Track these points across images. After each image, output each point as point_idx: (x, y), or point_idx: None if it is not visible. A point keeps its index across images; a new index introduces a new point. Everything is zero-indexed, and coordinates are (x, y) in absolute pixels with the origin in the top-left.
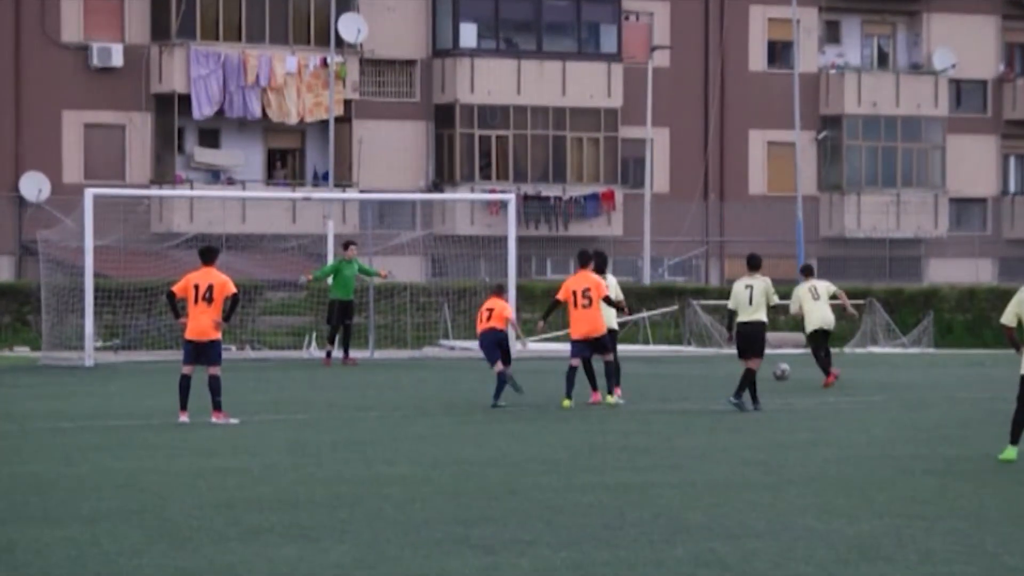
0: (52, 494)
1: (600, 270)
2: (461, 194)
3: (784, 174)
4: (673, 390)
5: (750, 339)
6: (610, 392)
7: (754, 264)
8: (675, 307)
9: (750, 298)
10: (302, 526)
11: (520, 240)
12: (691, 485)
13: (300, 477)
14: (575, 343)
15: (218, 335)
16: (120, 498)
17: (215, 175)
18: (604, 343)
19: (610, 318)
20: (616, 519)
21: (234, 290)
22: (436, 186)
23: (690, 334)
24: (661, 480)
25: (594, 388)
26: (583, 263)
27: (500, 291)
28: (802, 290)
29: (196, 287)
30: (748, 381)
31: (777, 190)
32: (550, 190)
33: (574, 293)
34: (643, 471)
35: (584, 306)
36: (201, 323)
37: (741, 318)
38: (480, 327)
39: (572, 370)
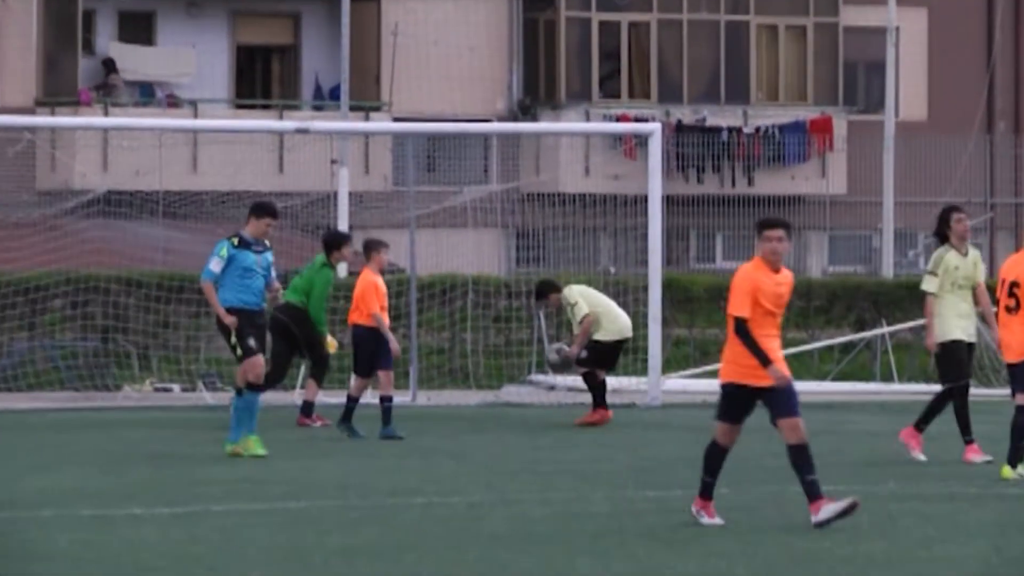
0: None
1: None
2: (568, 124)
3: None
4: (933, 462)
5: None
6: (1012, 463)
7: None
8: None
9: None
10: None
11: (671, 202)
12: None
13: None
14: (1010, 368)
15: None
16: None
17: (146, 91)
18: None
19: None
20: None
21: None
22: (525, 111)
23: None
24: None
25: (966, 440)
26: None
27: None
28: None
29: None
30: None
31: None
32: (721, 116)
33: (1003, 285)
34: None
35: (1009, 309)
36: None
37: None
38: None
39: (1019, 414)
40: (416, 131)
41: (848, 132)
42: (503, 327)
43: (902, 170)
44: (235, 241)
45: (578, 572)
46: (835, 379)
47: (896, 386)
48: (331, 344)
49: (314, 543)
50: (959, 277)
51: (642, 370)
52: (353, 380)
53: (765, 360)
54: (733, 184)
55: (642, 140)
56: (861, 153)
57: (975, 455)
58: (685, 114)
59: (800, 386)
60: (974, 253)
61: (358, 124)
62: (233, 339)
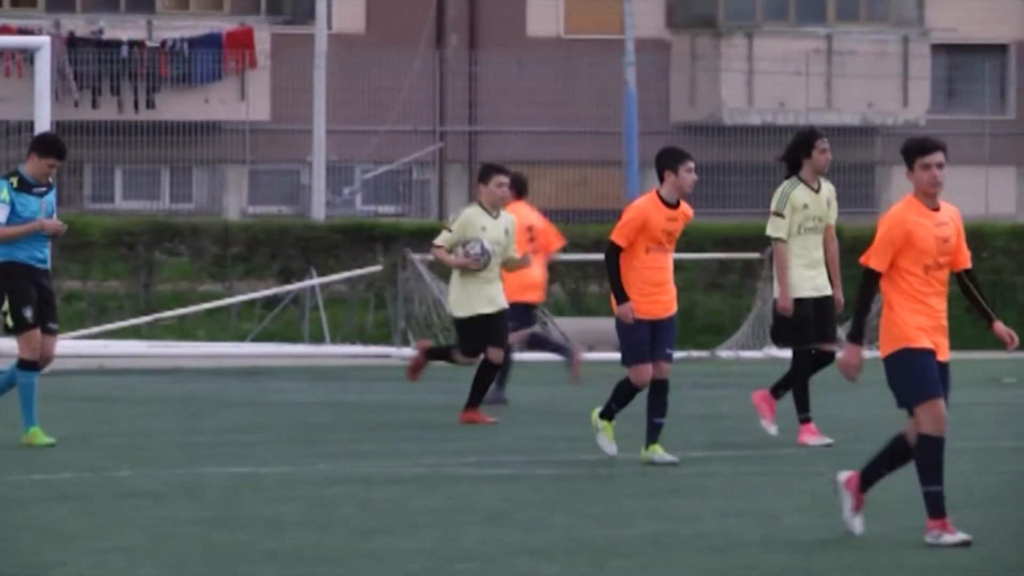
0: None
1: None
2: None
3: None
4: (372, 438)
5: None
6: (608, 415)
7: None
8: (378, 267)
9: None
10: None
11: (62, 130)
12: None
13: None
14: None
15: None
16: None
17: None
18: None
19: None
20: None
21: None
22: None
23: (408, 320)
24: None
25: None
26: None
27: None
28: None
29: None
30: None
31: (582, 29)
32: (122, 28)
33: None
34: None
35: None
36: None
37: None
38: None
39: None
40: None
41: (272, 47)
42: None
43: (336, 92)
44: (14, 182)
45: None
46: (257, 339)
47: (329, 348)
48: None
49: None
50: (808, 218)
51: None
52: None
53: (857, 332)
54: (136, 108)
55: (28, 56)
56: (288, 72)
57: (811, 437)
58: (79, 25)
59: (216, 348)
60: (827, 187)
61: None
62: (5, 306)
